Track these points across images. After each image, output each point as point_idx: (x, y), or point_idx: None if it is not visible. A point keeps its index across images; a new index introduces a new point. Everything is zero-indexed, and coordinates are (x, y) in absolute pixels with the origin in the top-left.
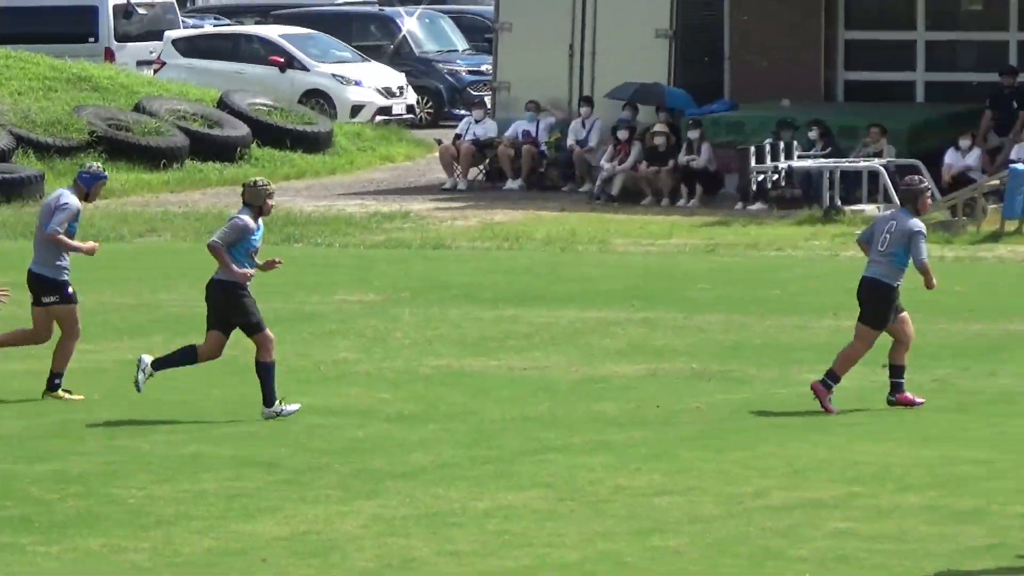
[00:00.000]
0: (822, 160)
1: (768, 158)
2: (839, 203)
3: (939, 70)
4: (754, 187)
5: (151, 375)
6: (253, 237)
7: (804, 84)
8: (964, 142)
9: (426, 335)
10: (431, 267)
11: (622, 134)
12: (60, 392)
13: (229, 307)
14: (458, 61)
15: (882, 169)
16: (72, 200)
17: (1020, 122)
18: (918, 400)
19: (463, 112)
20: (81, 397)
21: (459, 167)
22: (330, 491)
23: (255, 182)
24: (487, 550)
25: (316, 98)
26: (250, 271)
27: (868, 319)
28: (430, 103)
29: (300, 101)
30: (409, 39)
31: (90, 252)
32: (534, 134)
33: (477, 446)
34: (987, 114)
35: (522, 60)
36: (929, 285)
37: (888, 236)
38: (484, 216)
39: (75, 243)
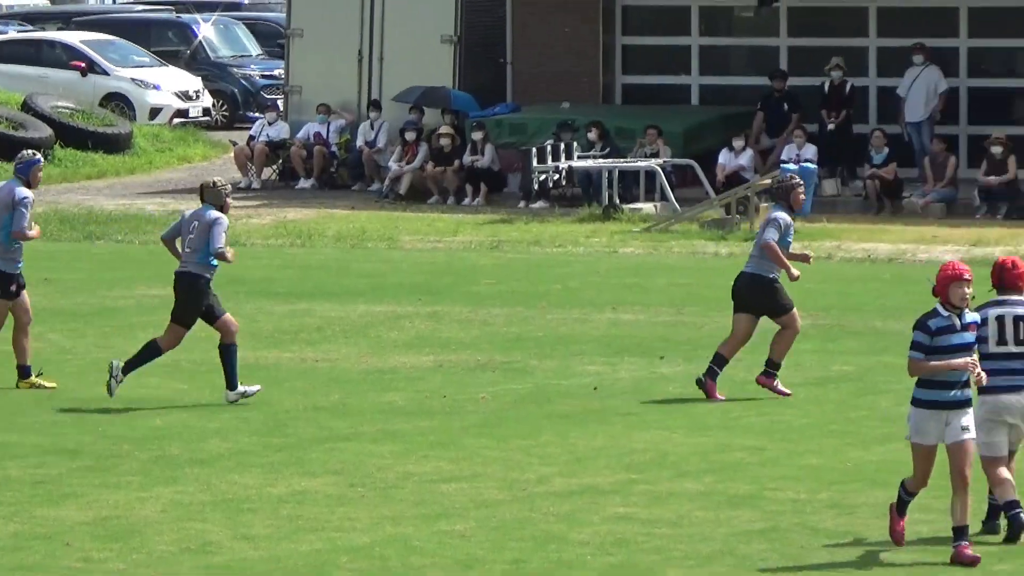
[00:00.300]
0: (601, 160)
1: (549, 158)
2: (617, 201)
3: (713, 74)
4: (536, 186)
5: (122, 381)
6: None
7: (583, 87)
8: (737, 143)
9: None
10: (225, 265)
11: (409, 135)
12: (35, 377)
13: (192, 297)
14: (252, 66)
15: (659, 169)
16: (28, 193)
17: (793, 124)
18: (787, 391)
19: (257, 115)
20: (54, 384)
21: (253, 167)
22: (131, 477)
23: (214, 183)
24: (281, 534)
25: (116, 101)
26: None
27: (772, 310)
28: (225, 106)
29: (101, 104)
30: (205, 45)
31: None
32: (325, 136)
33: (271, 434)
34: (759, 116)
35: (313, 65)
36: (782, 266)
37: (759, 232)
38: (277, 214)
39: (28, 232)
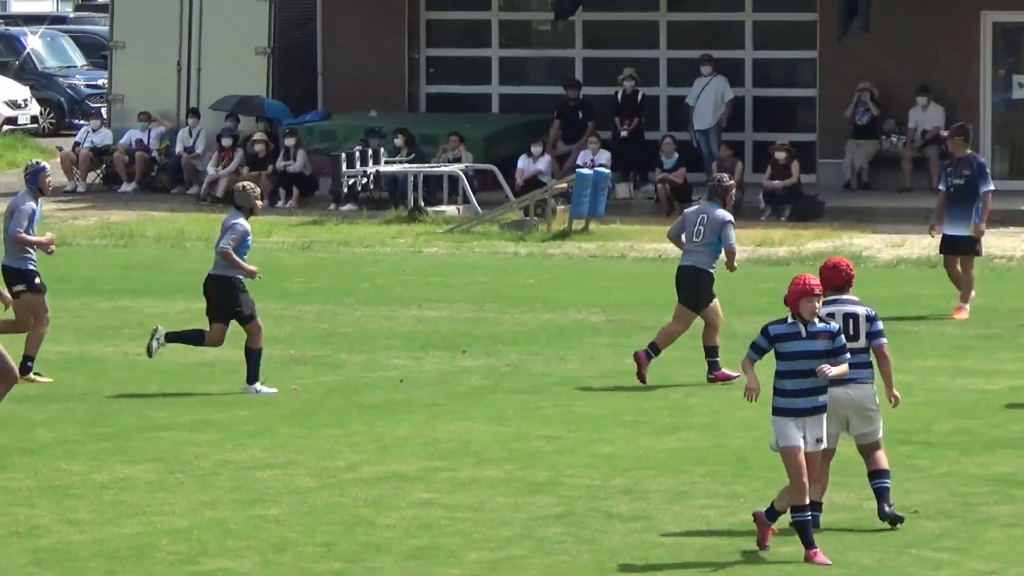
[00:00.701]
0: (407, 165)
1: (358, 163)
2: (422, 204)
3: (512, 84)
4: (345, 190)
5: (163, 344)
6: (249, 237)
7: (390, 96)
8: (535, 149)
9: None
10: (53, 262)
11: (226, 141)
12: (32, 375)
13: (225, 299)
14: (77, 76)
15: (461, 173)
16: (31, 204)
17: (588, 131)
18: (733, 375)
19: (82, 122)
20: (50, 380)
21: (79, 172)
22: None
23: (243, 187)
24: (104, 518)
25: None
26: (255, 268)
27: (689, 302)
28: (52, 114)
29: None
30: (33, 56)
31: (47, 246)
32: (146, 142)
33: (95, 424)
34: (555, 124)
35: (135, 75)
36: (731, 267)
37: (702, 228)
38: (101, 216)
39: (34, 239)
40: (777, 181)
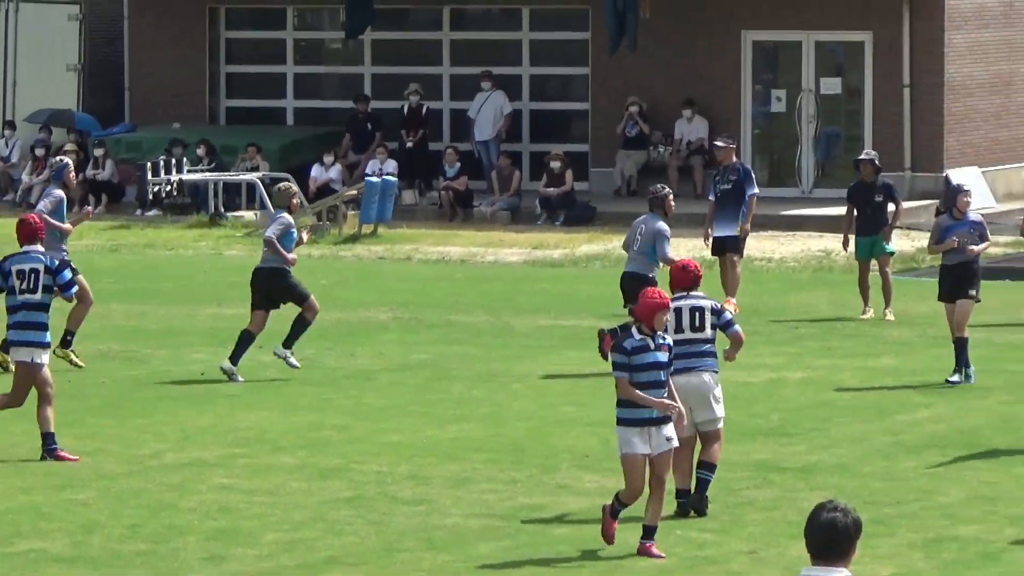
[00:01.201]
0: (208, 173)
1: (162, 172)
2: (223, 210)
3: (306, 98)
4: (151, 196)
5: (235, 372)
6: (293, 229)
7: (192, 109)
8: (327, 158)
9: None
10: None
11: (39, 152)
12: (70, 352)
13: (275, 288)
14: None
15: (258, 181)
16: (60, 194)
17: (376, 142)
18: None
19: None
20: (83, 364)
21: None
22: None
23: (280, 188)
24: None
25: None
26: (294, 256)
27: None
28: None
29: None
30: None
31: (68, 231)
32: None
33: None
34: (346, 135)
35: None
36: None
37: (640, 237)
38: None
39: (55, 223)
40: (552, 188)
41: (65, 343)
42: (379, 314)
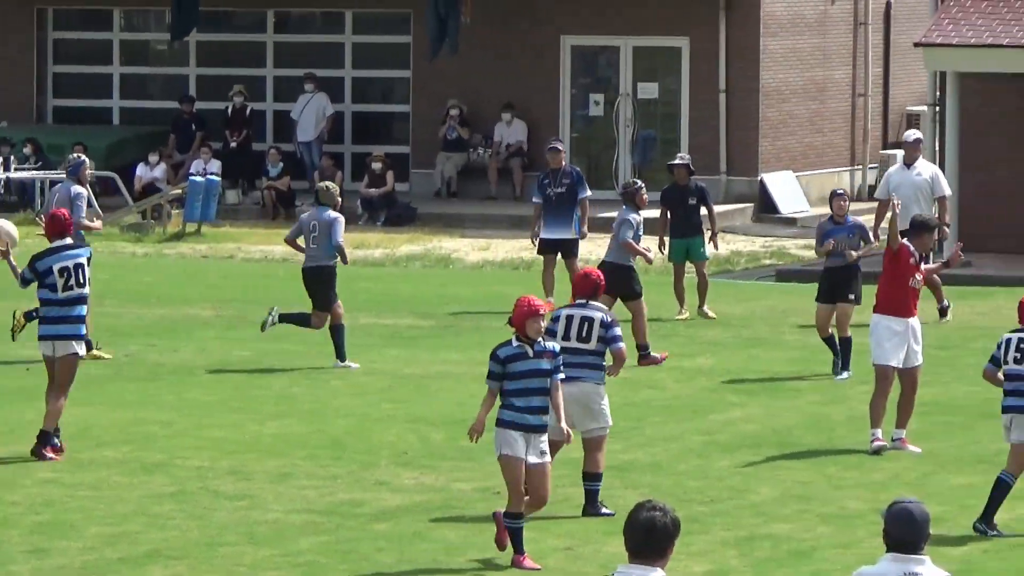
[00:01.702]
0: (35, 172)
1: None
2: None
3: (132, 98)
4: None
5: (275, 323)
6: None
7: (20, 108)
8: (153, 158)
9: None
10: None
11: None
12: (95, 351)
13: (315, 283)
14: None
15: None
16: (82, 190)
17: (199, 142)
18: (661, 357)
19: None
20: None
21: None
22: None
23: (327, 187)
24: None
25: None
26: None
27: (624, 295)
28: None
29: None
30: None
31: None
32: None
33: None
34: (171, 135)
35: None
36: (634, 252)
37: (615, 227)
38: None
39: (86, 223)
40: (373, 189)
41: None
42: (201, 311)
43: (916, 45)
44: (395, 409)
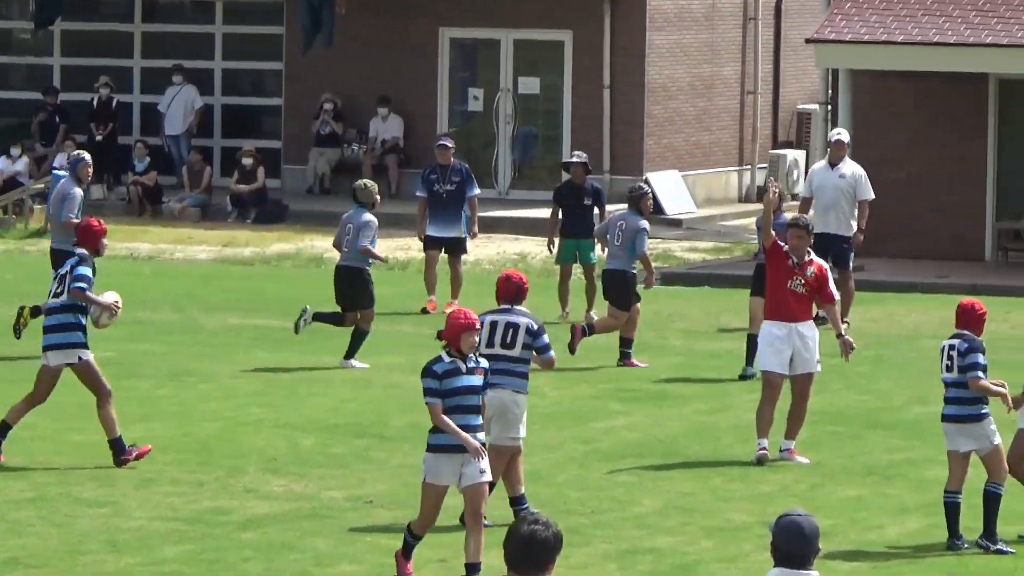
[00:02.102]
0: None
1: None
2: None
3: None
4: None
5: (309, 324)
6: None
7: None
8: (15, 151)
9: None
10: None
11: None
12: None
13: (355, 288)
14: None
15: None
16: (76, 190)
17: (62, 135)
18: (641, 364)
19: None
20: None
21: None
22: None
23: (365, 185)
24: None
25: None
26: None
27: (617, 302)
28: None
29: None
30: None
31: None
32: None
33: None
34: (34, 127)
35: None
36: (648, 271)
37: (621, 234)
38: None
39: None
40: (244, 185)
41: None
42: None
43: (808, 41)
44: (264, 413)
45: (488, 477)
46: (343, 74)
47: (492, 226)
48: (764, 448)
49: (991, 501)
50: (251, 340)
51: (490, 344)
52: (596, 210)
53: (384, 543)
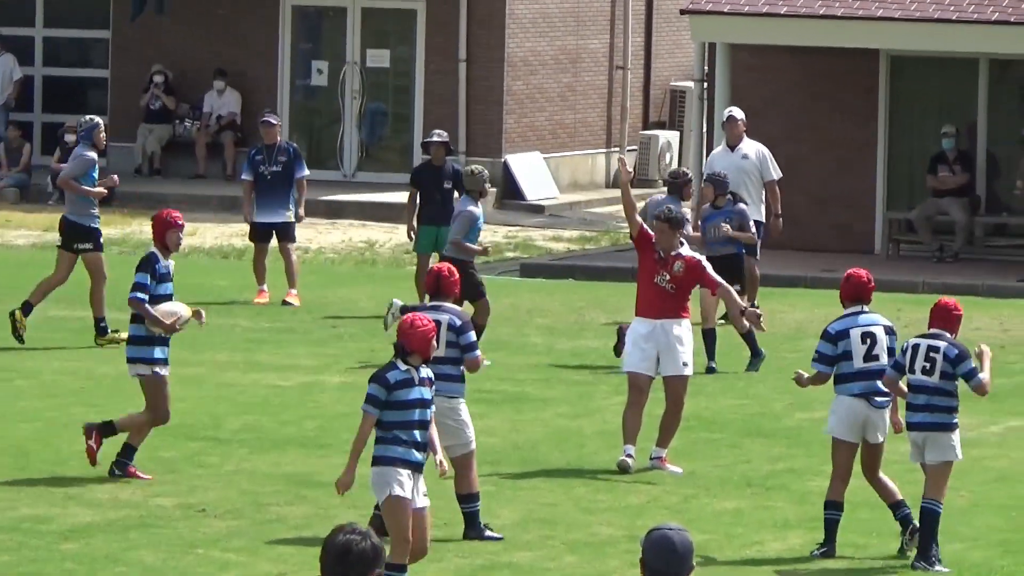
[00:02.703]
0: None
1: None
2: None
3: None
4: None
5: (397, 318)
6: (480, 220)
7: None
8: None
9: None
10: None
11: None
12: (112, 334)
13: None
14: None
15: None
16: (88, 153)
17: None
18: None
19: None
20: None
21: None
22: None
23: (473, 171)
24: None
25: None
26: (479, 248)
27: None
28: None
29: None
30: None
31: (100, 195)
32: None
33: None
34: None
35: None
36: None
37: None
38: None
39: (85, 188)
40: (66, 164)
41: (101, 330)
42: None
43: (683, 12)
44: (88, 414)
45: (428, 502)
46: (176, 44)
47: (337, 211)
48: (630, 455)
49: (930, 519)
50: (74, 334)
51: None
52: (456, 194)
53: (217, 556)
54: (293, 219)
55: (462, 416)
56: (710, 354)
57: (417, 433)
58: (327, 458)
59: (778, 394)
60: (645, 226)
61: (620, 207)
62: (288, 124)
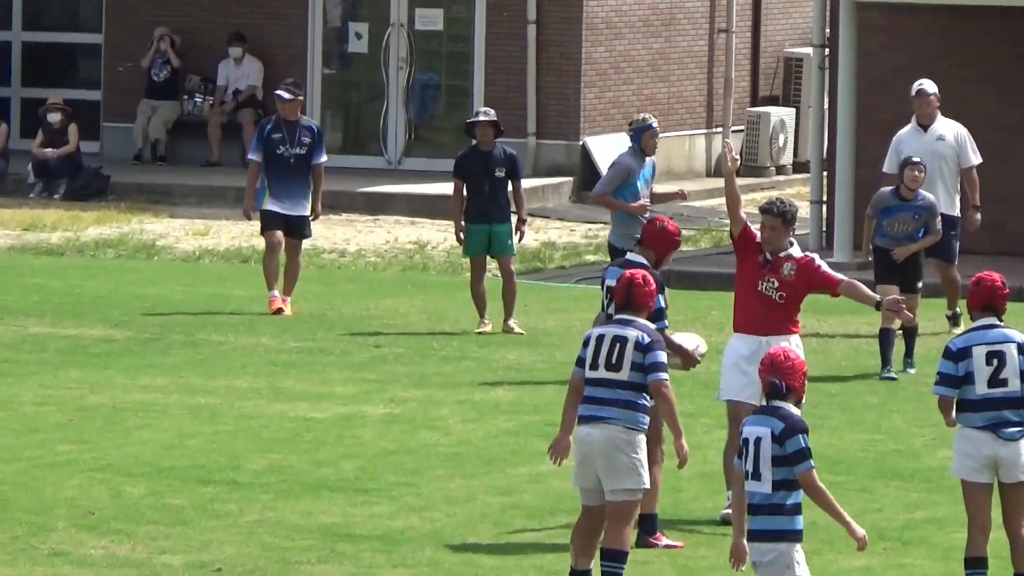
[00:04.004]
0: None
1: None
2: None
3: None
4: None
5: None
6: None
7: None
8: None
9: None
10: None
11: None
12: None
13: None
14: None
15: None
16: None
17: None
18: None
19: None
20: None
21: None
22: None
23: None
24: None
25: None
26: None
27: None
28: None
29: None
30: None
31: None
32: None
33: None
34: None
35: None
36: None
37: None
38: None
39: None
40: (50, 149)
41: None
42: None
43: None
44: (77, 452)
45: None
46: (182, 3)
47: (380, 206)
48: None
49: None
50: (60, 355)
51: (594, 366)
52: (511, 184)
53: None
54: (309, 213)
55: (639, 454)
56: (885, 361)
57: None
58: (369, 506)
59: (917, 427)
60: (750, 224)
61: (723, 200)
62: (319, 101)
